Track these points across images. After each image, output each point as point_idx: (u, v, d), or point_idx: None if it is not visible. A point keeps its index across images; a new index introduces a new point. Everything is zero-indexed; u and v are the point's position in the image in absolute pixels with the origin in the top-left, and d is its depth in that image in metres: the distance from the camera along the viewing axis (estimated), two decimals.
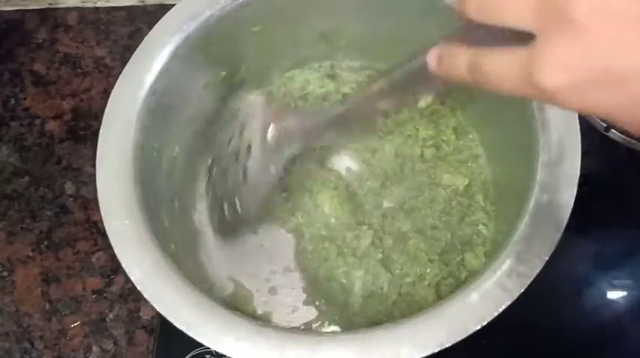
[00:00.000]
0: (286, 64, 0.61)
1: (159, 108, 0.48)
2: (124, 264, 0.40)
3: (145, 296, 0.39)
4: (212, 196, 0.56)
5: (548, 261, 0.39)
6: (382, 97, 0.42)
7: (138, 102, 0.46)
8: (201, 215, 0.57)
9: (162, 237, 0.43)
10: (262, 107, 0.51)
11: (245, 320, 0.39)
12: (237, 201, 0.51)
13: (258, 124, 0.49)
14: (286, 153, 0.49)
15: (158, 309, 0.39)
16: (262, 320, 0.52)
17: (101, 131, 0.45)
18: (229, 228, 0.55)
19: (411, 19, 0.53)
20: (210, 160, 0.56)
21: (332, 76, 0.62)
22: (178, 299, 0.39)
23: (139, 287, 0.39)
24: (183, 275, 0.41)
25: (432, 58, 0.32)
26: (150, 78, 0.47)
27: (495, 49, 0.28)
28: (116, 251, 0.41)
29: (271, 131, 0.48)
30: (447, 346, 0.37)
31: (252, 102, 0.52)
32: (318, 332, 0.50)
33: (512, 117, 0.48)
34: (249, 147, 0.50)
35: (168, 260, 0.41)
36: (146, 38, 0.48)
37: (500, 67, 0.27)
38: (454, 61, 0.30)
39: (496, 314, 0.38)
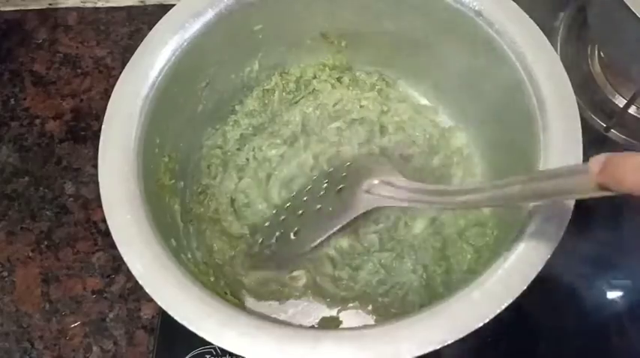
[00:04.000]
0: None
1: (161, 105, 0.47)
2: (126, 258, 0.40)
3: (147, 290, 0.39)
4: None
5: (548, 261, 0.40)
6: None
7: (140, 98, 0.46)
8: None
9: (164, 232, 0.43)
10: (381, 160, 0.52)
11: (246, 315, 0.39)
12: (295, 230, 0.51)
13: (365, 171, 0.49)
14: (366, 207, 0.48)
15: (159, 303, 0.39)
16: None
17: (104, 126, 0.45)
18: (265, 258, 0.54)
19: (412, 20, 0.53)
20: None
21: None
22: (180, 294, 0.39)
23: (140, 282, 0.39)
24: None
25: (594, 163, 0.30)
26: (153, 74, 0.47)
27: None
28: (118, 245, 0.40)
29: (372, 182, 0.47)
30: (449, 343, 0.37)
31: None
32: (318, 329, 0.50)
33: (513, 118, 0.49)
34: (341, 189, 0.50)
35: (170, 255, 0.41)
36: (149, 35, 0.48)
37: None
38: (622, 168, 0.29)
39: (498, 311, 0.38)
